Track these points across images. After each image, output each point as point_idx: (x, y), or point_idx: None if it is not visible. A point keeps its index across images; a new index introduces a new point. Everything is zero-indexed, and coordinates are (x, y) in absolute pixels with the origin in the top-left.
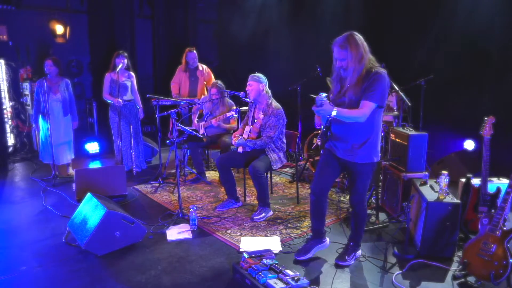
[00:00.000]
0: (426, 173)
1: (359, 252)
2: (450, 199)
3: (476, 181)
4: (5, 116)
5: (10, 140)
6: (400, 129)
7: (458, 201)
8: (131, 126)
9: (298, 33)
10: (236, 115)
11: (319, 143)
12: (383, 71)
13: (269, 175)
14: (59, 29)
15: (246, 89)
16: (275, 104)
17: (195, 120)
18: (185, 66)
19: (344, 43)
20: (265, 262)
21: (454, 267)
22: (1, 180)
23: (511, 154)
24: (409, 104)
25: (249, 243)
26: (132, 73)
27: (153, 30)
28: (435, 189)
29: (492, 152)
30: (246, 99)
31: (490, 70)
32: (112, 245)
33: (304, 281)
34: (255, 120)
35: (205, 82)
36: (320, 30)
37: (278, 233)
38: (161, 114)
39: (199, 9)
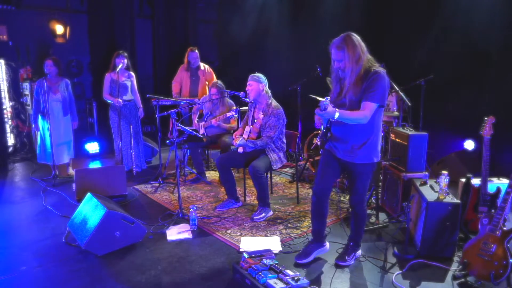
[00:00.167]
0: (426, 173)
1: (359, 252)
2: (450, 199)
3: (476, 181)
4: (5, 116)
5: (10, 140)
6: (400, 129)
7: (458, 201)
8: (131, 126)
9: (298, 33)
10: (236, 115)
11: (318, 144)
12: (382, 70)
13: (269, 175)
14: (59, 29)
15: (246, 89)
16: (275, 104)
17: (195, 120)
18: (187, 66)
19: (341, 44)
20: (265, 262)
21: (454, 267)
22: (1, 180)
23: (511, 154)
24: (409, 104)
25: (249, 243)
26: (132, 73)
27: (153, 30)
28: (435, 189)
29: (492, 152)
30: (246, 99)
31: (490, 70)
32: (112, 245)
33: (304, 281)
34: (255, 120)
35: (206, 82)
36: (320, 30)
37: (278, 233)
38: (161, 114)
39: (199, 9)
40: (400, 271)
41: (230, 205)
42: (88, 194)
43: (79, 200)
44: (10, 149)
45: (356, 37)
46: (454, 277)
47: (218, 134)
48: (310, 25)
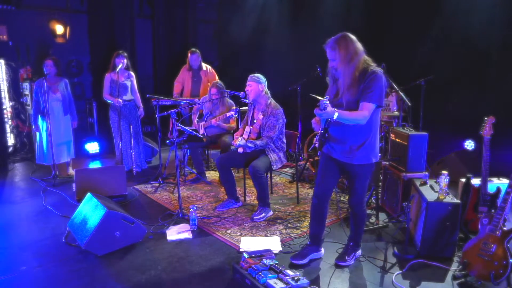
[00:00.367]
0: (426, 173)
1: (359, 252)
2: (450, 199)
3: (476, 181)
4: (5, 116)
5: (10, 140)
6: (400, 129)
7: (458, 201)
8: (131, 126)
9: (298, 33)
10: (236, 115)
11: (317, 146)
12: (379, 70)
13: (269, 175)
14: (59, 29)
15: (246, 90)
16: (274, 104)
17: (195, 120)
18: (189, 66)
19: (334, 44)
20: (265, 262)
21: (454, 267)
22: (1, 180)
23: (511, 154)
24: (409, 104)
25: (249, 243)
26: (132, 73)
27: (153, 30)
28: (435, 189)
29: (492, 152)
30: (245, 99)
31: (490, 70)
32: (112, 245)
33: (304, 281)
34: (255, 121)
35: (208, 83)
36: (320, 30)
37: (278, 233)
38: (161, 114)
39: (199, 9)
40: (400, 271)
41: (230, 205)
42: (88, 194)
43: (79, 200)
44: (10, 149)
45: (351, 38)
46: (454, 277)
47: (218, 134)
48: (310, 25)
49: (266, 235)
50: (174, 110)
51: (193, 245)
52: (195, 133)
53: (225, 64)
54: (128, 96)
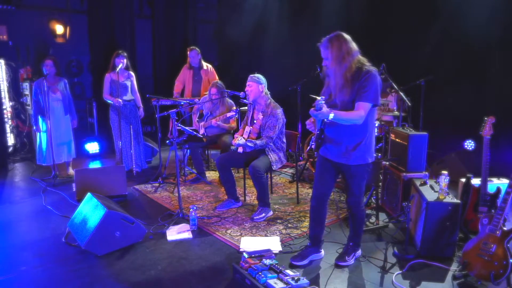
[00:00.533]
0: (426, 173)
1: (359, 252)
2: (450, 199)
3: (476, 181)
4: (5, 116)
5: (10, 140)
6: (400, 129)
7: (458, 201)
8: (131, 126)
9: (298, 33)
10: (236, 115)
11: (313, 147)
12: (373, 69)
13: (269, 175)
14: (59, 29)
15: (245, 90)
16: (273, 104)
17: (195, 120)
18: (189, 65)
19: (327, 42)
20: (265, 262)
21: (454, 267)
22: (1, 180)
23: (511, 154)
24: (409, 104)
25: (249, 243)
26: (132, 73)
27: (153, 30)
28: (435, 189)
29: (492, 152)
30: (245, 100)
31: (490, 70)
32: (112, 245)
33: (304, 281)
34: (255, 121)
35: (209, 82)
36: (321, 30)
37: (278, 233)
38: (161, 114)
39: (199, 9)
40: (400, 271)
41: (230, 205)
42: (88, 194)
43: (79, 200)
44: (10, 149)
45: (345, 37)
46: (454, 277)
47: (218, 134)
48: (310, 25)
49: (266, 235)
50: (174, 110)
51: (193, 245)
52: (195, 133)
53: (225, 64)
54: (128, 96)
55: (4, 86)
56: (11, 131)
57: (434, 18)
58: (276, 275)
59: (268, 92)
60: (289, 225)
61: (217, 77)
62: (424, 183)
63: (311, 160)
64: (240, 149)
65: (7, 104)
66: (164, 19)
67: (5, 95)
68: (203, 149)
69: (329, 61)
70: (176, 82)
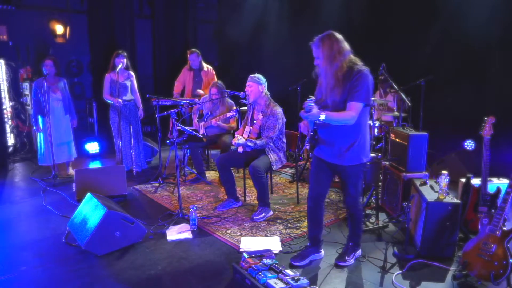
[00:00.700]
0: (426, 173)
1: (359, 252)
2: (450, 199)
3: (476, 181)
4: (5, 116)
5: (10, 140)
6: (400, 129)
7: (458, 201)
8: (131, 126)
9: (298, 33)
10: (236, 115)
11: (308, 148)
12: (365, 68)
13: (269, 175)
14: (59, 29)
15: (245, 90)
16: (273, 104)
17: (195, 120)
18: (189, 66)
19: (318, 41)
20: (265, 262)
21: (454, 267)
22: (1, 180)
23: (511, 154)
24: (409, 104)
25: (249, 243)
26: (132, 73)
27: (153, 30)
28: (435, 189)
29: (492, 152)
30: (244, 100)
31: (490, 70)
32: (112, 245)
33: (304, 281)
34: (255, 121)
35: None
36: (321, 30)
37: (278, 233)
38: (161, 114)
39: (199, 9)
40: (400, 271)
41: (230, 205)
42: (88, 194)
43: (79, 200)
44: (10, 149)
45: (336, 37)
46: (454, 277)
47: (218, 134)
48: (310, 25)
49: (266, 235)
50: (174, 110)
51: (193, 245)
52: (195, 133)
53: (225, 64)
54: (128, 96)
55: (4, 86)
56: (11, 131)
57: (434, 18)
58: (276, 275)
59: (268, 93)
60: (289, 225)
61: (215, 78)
62: (424, 183)
63: (311, 160)
64: (240, 149)
65: (7, 104)
66: (164, 19)
67: (5, 95)
68: (203, 149)
69: (321, 60)
70: (176, 82)
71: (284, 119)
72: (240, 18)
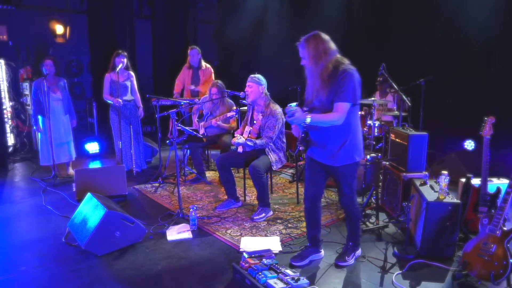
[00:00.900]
0: (426, 173)
1: (359, 251)
2: (450, 199)
3: (476, 181)
4: (5, 116)
5: (10, 140)
6: (400, 129)
7: (458, 201)
8: (131, 126)
9: (298, 33)
10: (236, 115)
11: (301, 149)
12: (350, 68)
13: (269, 175)
14: (59, 29)
15: (245, 90)
16: (272, 104)
17: (195, 120)
18: (189, 65)
19: (304, 41)
20: (265, 262)
21: (454, 267)
22: (1, 180)
23: (511, 154)
24: (409, 104)
25: (249, 243)
26: (132, 73)
27: (153, 30)
28: (435, 189)
29: (492, 152)
30: (244, 101)
31: (490, 70)
32: (112, 245)
33: (304, 281)
34: (254, 122)
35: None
36: (320, 30)
37: (278, 233)
38: (161, 114)
39: (199, 9)
40: (400, 271)
41: (230, 205)
42: (88, 194)
43: (79, 200)
44: (10, 149)
45: (322, 37)
46: (454, 277)
47: (218, 134)
48: (310, 25)
49: (266, 235)
50: (174, 110)
51: (193, 245)
52: (195, 133)
53: (225, 64)
54: (128, 96)
55: (4, 86)
56: (11, 131)
57: (434, 18)
58: (276, 275)
59: (268, 93)
60: (289, 225)
61: (213, 77)
62: (424, 183)
63: (305, 160)
64: (240, 148)
65: (7, 104)
66: (164, 19)
67: (5, 95)
68: (203, 149)
69: (306, 61)
70: (176, 81)
71: (284, 119)
72: (240, 18)
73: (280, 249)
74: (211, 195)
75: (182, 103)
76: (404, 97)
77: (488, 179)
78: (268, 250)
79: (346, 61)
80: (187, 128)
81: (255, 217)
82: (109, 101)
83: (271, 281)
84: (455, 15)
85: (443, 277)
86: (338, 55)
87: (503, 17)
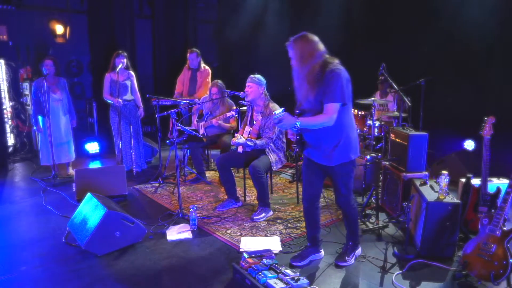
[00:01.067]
0: (426, 173)
1: (359, 251)
2: (450, 199)
3: (476, 181)
4: (5, 116)
5: (10, 140)
6: (400, 129)
7: (458, 201)
8: (131, 126)
9: (298, 33)
10: (236, 115)
11: (297, 150)
12: (338, 68)
13: (269, 175)
14: (59, 29)
15: (245, 90)
16: (272, 105)
17: (195, 120)
18: (188, 65)
19: (292, 42)
20: (265, 262)
21: (454, 267)
22: (1, 180)
23: (511, 154)
24: (409, 104)
25: (249, 243)
26: (132, 73)
27: (153, 30)
28: (435, 189)
29: (492, 152)
30: (243, 101)
31: (491, 70)
32: (112, 245)
33: (304, 281)
34: (254, 122)
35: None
36: (320, 30)
37: (278, 233)
38: (161, 114)
39: (199, 9)
40: (400, 271)
41: (230, 205)
42: (88, 194)
43: (79, 200)
44: (10, 149)
45: (309, 38)
46: (454, 277)
47: (218, 134)
48: (310, 25)
49: (266, 235)
50: (174, 110)
51: (193, 245)
52: (195, 133)
53: (224, 64)
54: (128, 96)
55: (4, 86)
56: (11, 131)
57: (434, 18)
58: (276, 275)
59: (268, 94)
60: (289, 225)
61: (209, 79)
62: (424, 183)
63: (302, 161)
64: (240, 148)
65: (7, 104)
66: (164, 19)
67: (5, 95)
68: (203, 149)
69: (294, 62)
70: (177, 82)
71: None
72: (240, 18)
73: (280, 249)
74: (211, 195)
75: (182, 103)
76: (404, 97)
77: (488, 179)
78: (268, 250)
79: (335, 61)
80: (187, 128)
81: (255, 217)
82: (109, 101)
83: (271, 281)
84: (455, 15)
85: (443, 277)
86: (327, 55)
87: (503, 17)
